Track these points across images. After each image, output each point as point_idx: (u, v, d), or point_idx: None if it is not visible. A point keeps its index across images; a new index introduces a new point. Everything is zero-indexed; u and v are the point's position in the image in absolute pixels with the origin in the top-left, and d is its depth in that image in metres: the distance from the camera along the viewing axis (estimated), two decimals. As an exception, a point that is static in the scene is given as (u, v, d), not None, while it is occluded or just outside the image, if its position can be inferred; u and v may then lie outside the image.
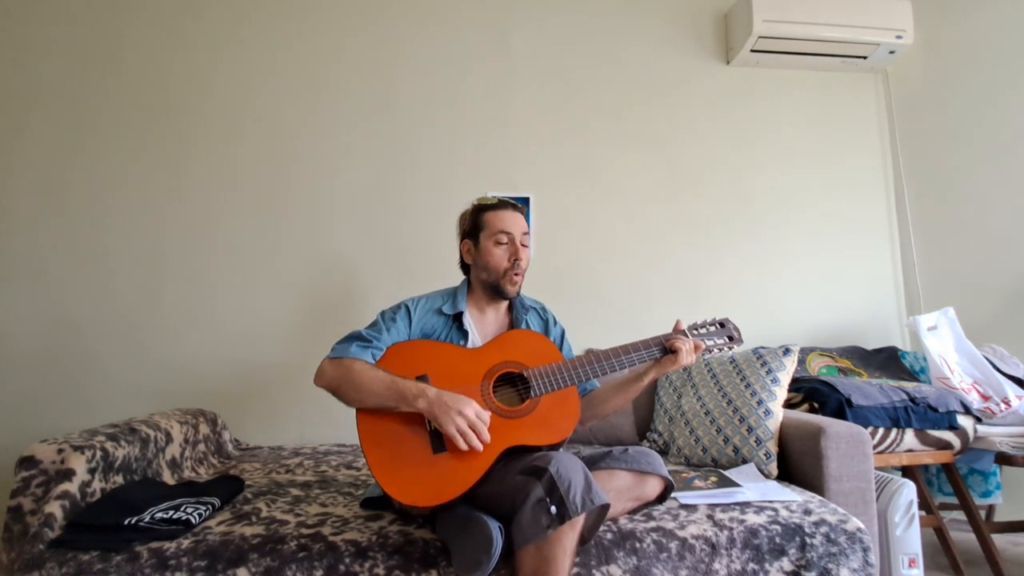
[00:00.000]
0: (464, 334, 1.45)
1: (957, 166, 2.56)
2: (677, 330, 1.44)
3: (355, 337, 1.36)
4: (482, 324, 1.50)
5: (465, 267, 1.55)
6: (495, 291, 1.47)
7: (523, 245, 1.48)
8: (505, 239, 1.45)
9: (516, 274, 1.45)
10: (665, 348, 1.40)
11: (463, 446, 1.21)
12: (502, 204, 1.50)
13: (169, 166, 2.36)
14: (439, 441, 1.25)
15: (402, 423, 1.27)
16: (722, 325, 1.50)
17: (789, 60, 2.69)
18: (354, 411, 1.30)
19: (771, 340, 2.46)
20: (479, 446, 1.22)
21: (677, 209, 2.63)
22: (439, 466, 1.23)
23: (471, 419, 1.22)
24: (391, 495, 1.20)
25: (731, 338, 1.48)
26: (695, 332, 1.46)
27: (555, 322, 1.61)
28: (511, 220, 1.47)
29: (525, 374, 1.35)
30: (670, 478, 1.35)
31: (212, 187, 2.37)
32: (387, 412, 1.28)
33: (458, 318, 1.46)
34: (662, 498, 1.37)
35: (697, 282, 2.60)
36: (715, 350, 1.46)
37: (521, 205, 1.53)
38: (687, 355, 1.38)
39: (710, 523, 1.30)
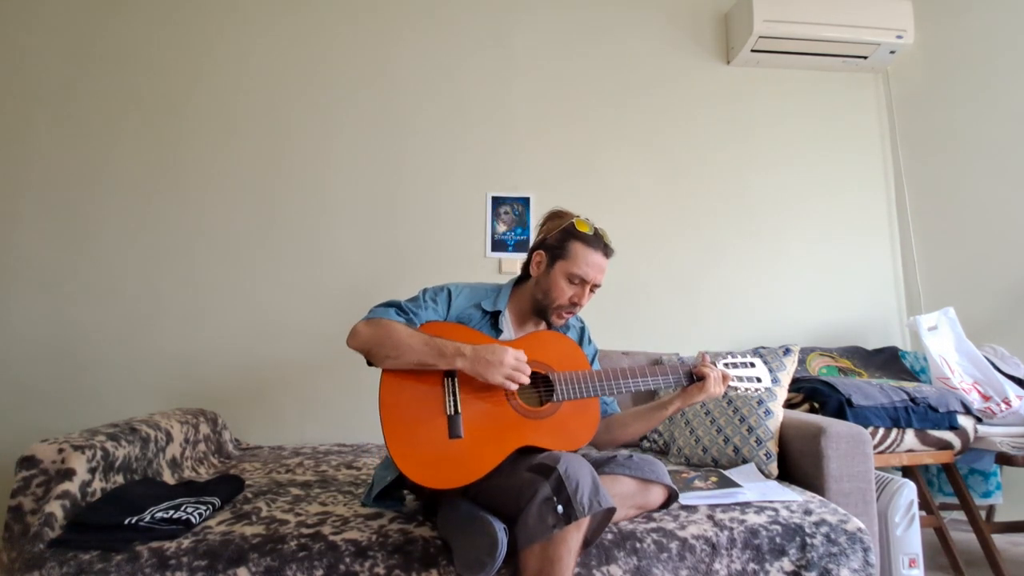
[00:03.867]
0: (498, 333, 1.43)
1: (957, 166, 2.55)
2: (703, 362, 1.40)
3: (394, 304, 1.35)
4: (518, 331, 1.48)
5: (526, 271, 1.48)
6: (541, 313, 1.45)
7: (591, 291, 1.43)
8: (578, 281, 1.40)
9: (568, 313, 1.43)
10: (692, 375, 1.38)
11: (513, 388, 1.25)
12: (597, 243, 1.41)
13: (170, 167, 2.36)
14: (456, 427, 1.24)
15: (423, 401, 1.26)
16: (753, 364, 1.45)
17: (789, 60, 2.70)
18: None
19: (771, 340, 2.46)
20: (527, 381, 1.26)
21: (677, 209, 2.63)
22: (452, 452, 1.22)
23: (512, 364, 1.24)
24: (403, 471, 1.19)
25: (759, 379, 1.43)
26: (725, 364, 1.43)
27: (589, 341, 1.59)
28: (596, 267, 1.40)
29: (551, 377, 1.34)
30: (674, 487, 1.34)
31: (213, 187, 2.37)
32: (411, 386, 1.27)
33: (495, 316, 1.44)
34: (664, 507, 1.36)
35: (697, 282, 2.60)
36: (741, 389, 1.42)
37: (612, 249, 1.45)
38: (715, 384, 1.35)
39: (710, 523, 1.30)
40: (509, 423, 1.27)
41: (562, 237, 1.42)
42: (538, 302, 1.44)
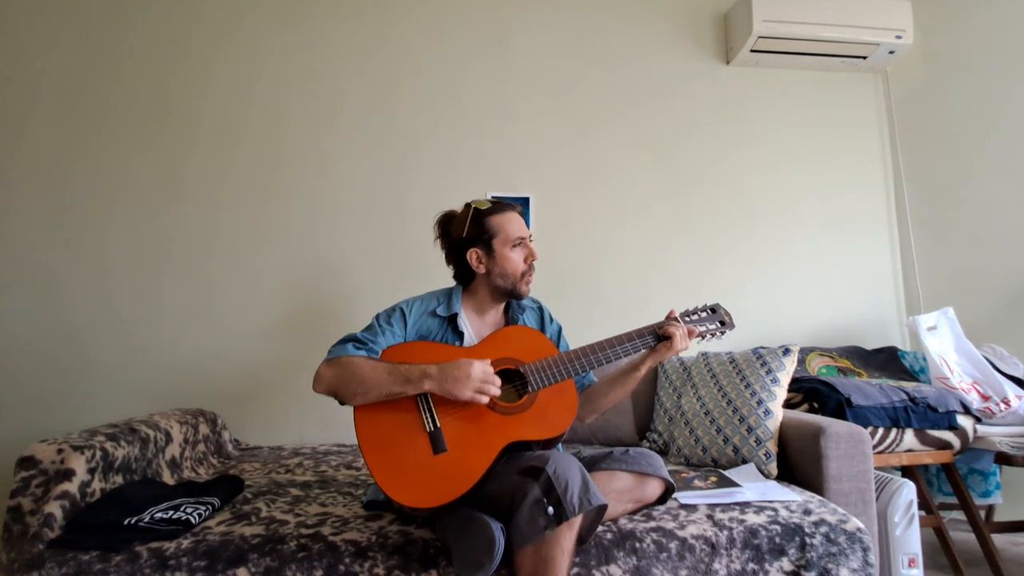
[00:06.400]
0: (459, 335, 1.44)
1: (957, 165, 2.56)
2: (670, 318, 1.45)
3: (350, 339, 1.35)
4: (479, 325, 1.49)
5: (465, 274, 1.49)
6: (509, 294, 1.46)
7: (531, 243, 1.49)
8: (520, 243, 1.44)
9: (530, 275, 1.46)
10: (659, 336, 1.41)
11: (484, 400, 1.25)
12: (505, 207, 1.48)
13: (169, 167, 2.36)
14: (439, 442, 1.25)
15: (401, 426, 1.27)
16: (713, 311, 1.51)
17: (789, 60, 2.69)
18: (353, 411, 1.29)
19: (771, 340, 2.46)
20: (497, 393, 1.26)
21: (677, 209, 2.63)
22: (440, 467, 1.23)
23: (480, 376, 1.25)
24: (393, 498, 1.20)
25: (723, 323, 1.49)
26: (687, 319, 1.47)
27: (551, 319, 1.60)
28: (520, 223, 1.47)
29: (521, 370, 1.35)
30: (671, 480, 1.35)
31: (211, 187, 2.37)
32: (385, 415, 1.27)
33: (453, 320, 1.45)
34: (662, 500, 1.37)
35: (697, 282, 2.60)
36: (708, 336, 1.48)
37: (515, 204, 1.52)
38: (681, 340, 1.38)
39: (710, 523, 1.30)
40: (490, 424, 1.28)
41: (477, 224, 1.45)
42: (501, 288, 1.45)
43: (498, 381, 1.27)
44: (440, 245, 1.55)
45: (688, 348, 1.42)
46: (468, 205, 1.48)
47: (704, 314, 1.50)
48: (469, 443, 1.25)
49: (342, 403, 1.31)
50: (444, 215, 1.55)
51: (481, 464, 1.23)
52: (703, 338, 1.47)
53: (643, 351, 1.42)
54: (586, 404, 1.50)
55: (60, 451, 1.31)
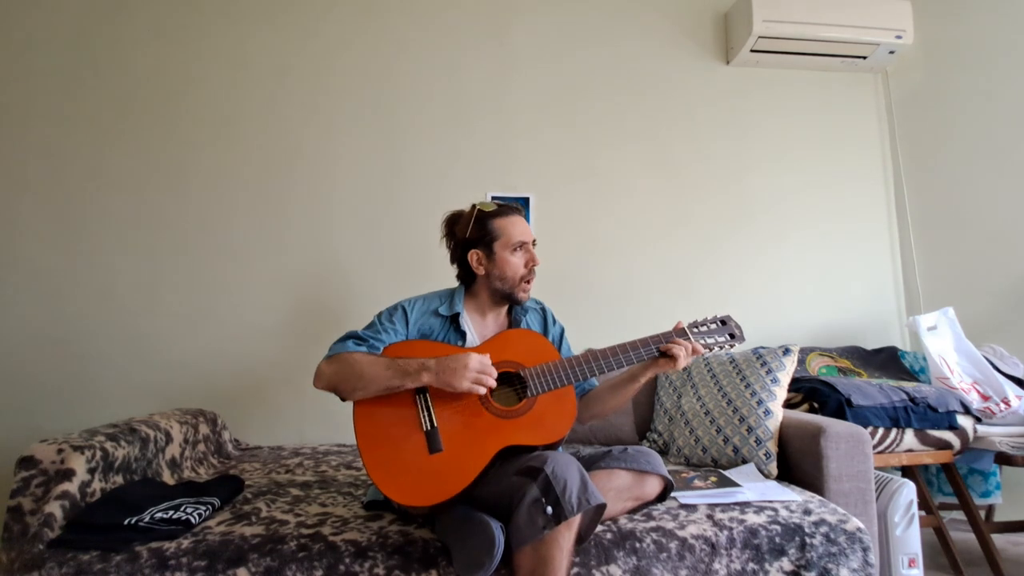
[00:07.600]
0: (462, 335, 1.44)
1: (957, 166, 2.56)
2: (677, 330, 1.42)
3: (351, 336, 1.36)
4: (481, 326, 1.49)
5: (467, 275, 1.50)
6: (507, 298, 1.46)
7: (534, 247, 1.48)
8: (521, 247, 1.45)
9: (529, 281, 1.46)
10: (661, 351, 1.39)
11: (481, 391, 1.25)
12: (509, 210, 1.48)
13: (170, 166, 2.36)
14: (435, 441, 1.25)
15: (398, 423, 1.27)
16: (723, 323, 1.48)
17: (789, 60, 2.69)
18: (352, 407, 1.29)
19: (771, 340, 2.46)
20: (493, 384, 1.27)
21: (677, 209, 2.63)
22: (436, 466, 1.23)
23: (477, 367, 1.25)
24: (388, 495, 1.20)
25: (732, 336, 1.47)
26: (695, 330, 1.44)
27: (554, 321, 1.60)
28: (524, 227, 1.47)
29: (522, 373, 1.34)
30: (670, 477, 1.35)
31: (212, 187, 2.37)
32: (384, 412, 1.27)
33: (455, 319, 1.45)
34: (662, 498, 1.37)
35: (697, 282, 2.60)
36: (716, 348, 1.45)
37: (520, 206, 1.53)
38: (684, 360, 1.36)
39: (710, 523, 1.30)
40: (487, 427, 1.28)
41: (480, 226, 1.45)
42: (499, 290, 1.45)
43: (495, 372, 1.27)
44: (446, 244, 1.55)
45: (691, 363, 1.40)
46: (474, 206, 1.49)
47: (714, 325, 1.47)
48: (465, 444, 1.25)
49: (343, 399, 1.31)
50: (451, 215, 1.55)
51: (475, 466, 1.23)
52: (710, 351, 1.45)
53: (646, 360, 1.41)
54: (585, 409, 1.49)
55: (60, 451, 1.31)
